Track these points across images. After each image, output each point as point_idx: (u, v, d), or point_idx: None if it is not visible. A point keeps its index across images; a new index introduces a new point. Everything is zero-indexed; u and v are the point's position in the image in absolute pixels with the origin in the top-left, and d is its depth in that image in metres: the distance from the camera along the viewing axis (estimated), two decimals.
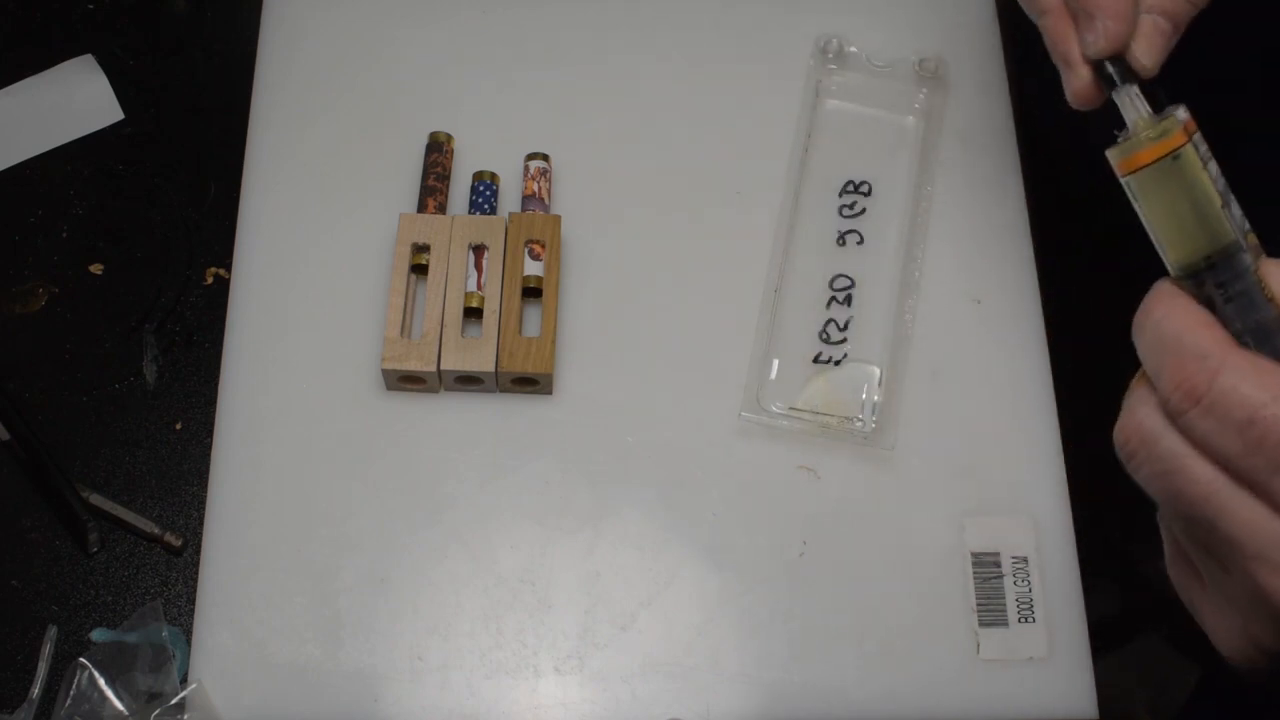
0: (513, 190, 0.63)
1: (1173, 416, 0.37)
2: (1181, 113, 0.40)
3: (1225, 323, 0.38)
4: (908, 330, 0.60)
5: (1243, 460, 0.36)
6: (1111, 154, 0.41)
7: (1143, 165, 0.40)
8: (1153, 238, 0.41)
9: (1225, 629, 0.40)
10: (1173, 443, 0.37)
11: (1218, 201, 0.39)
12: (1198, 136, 0.40)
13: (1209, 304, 0.39)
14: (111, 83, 0.69)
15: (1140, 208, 0.41)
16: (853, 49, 0.66)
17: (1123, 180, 0.41)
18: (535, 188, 0.62)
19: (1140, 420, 0.38)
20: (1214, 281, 0.39)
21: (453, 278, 0.58)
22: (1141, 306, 0.40)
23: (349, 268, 0.61)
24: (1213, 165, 0.40)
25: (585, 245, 0.62)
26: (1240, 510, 0.36)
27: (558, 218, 0.60)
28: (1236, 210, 0.40)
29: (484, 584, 0.55)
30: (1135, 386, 0.40)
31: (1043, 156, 0.69)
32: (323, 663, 0.54)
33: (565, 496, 0.57)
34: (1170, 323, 0.38)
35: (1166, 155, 0.40)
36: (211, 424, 0.59)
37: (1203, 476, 0.37)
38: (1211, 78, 0.42)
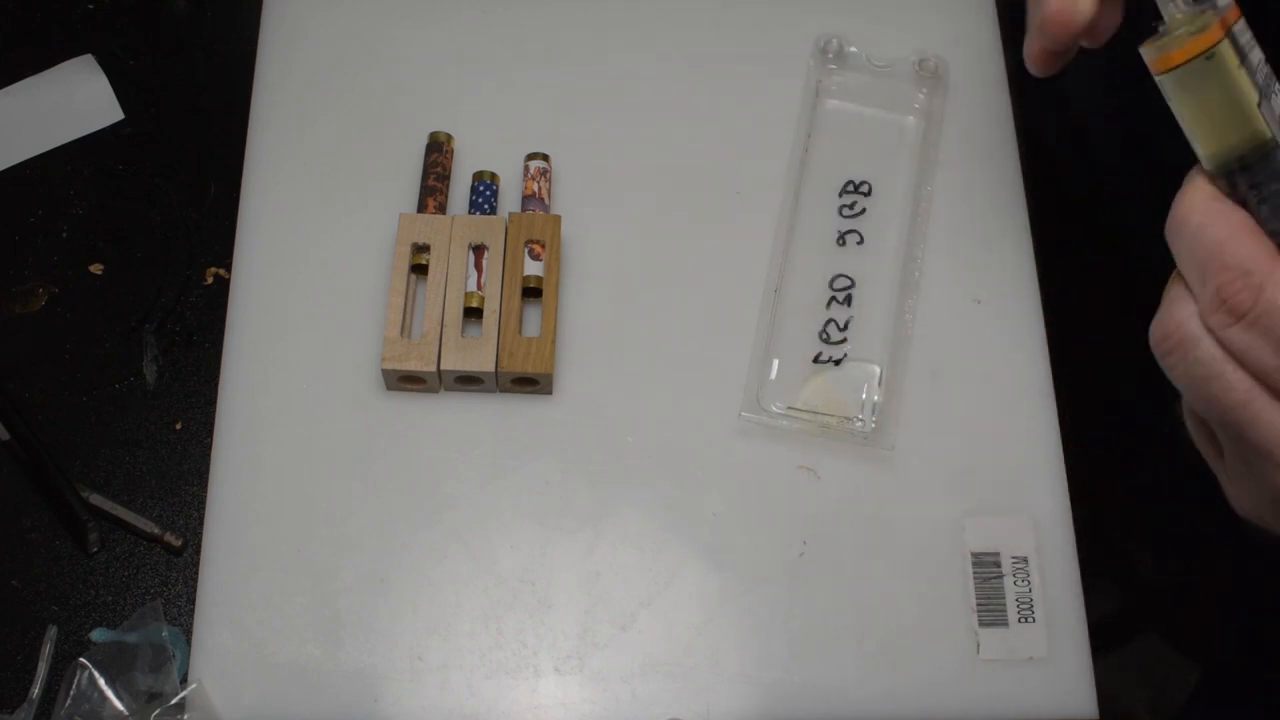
0: (513, 190, 0.63)
1: (1212, 329, 0.37)
2: (1223, 0, 0.38)
3: (1260, 223, 0.37)
4: (908, 330, 0.60)
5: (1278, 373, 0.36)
6: (1145, 51, 0.39)
7: (1175, 65, 0.38)
8: (1186, 134, 0.39)
9: (1244, 499, 0.41)
10: (1210, 350, 0.37)
11: (1254, 99, 0.37)
12: (1239, 25, 0.38)
13: (1243, 203, 0.38)
14: (111, 83, 0.69)
15: (1173, 105, 0.39)
16: (853, 49, 0.66)
17: (1156, 79, 0.39)
18: (535, 188, 0.62)
19: (1179, 322, 0.38)
20: (1248, 182, 0.38)
21: (453, 278, 0.58)
22: (1177, 206, 0.39)
23: (349, 268, 0.61)
24: (1255, 54, 0.38)
25: (585, 245, 0.62)
26: (1274, 421, 0.37)
27: (558, 218, 0.60)
28: (1279, 103, 0.38)
29: (484, 584, 0.55)
30: (1174, 283, 0.39)
31: (1043, 156, 0.69)
32: (323, 663, 0.54)
33: (565, 496, 0.57)
34: (1210, 231, 0.37)
35: (1200, 55, 0.37)
36: (211, 424, 0.59)
37: (1239, 385, 0.37)
38: None
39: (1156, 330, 0.39)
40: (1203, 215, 0.38)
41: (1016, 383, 0.60)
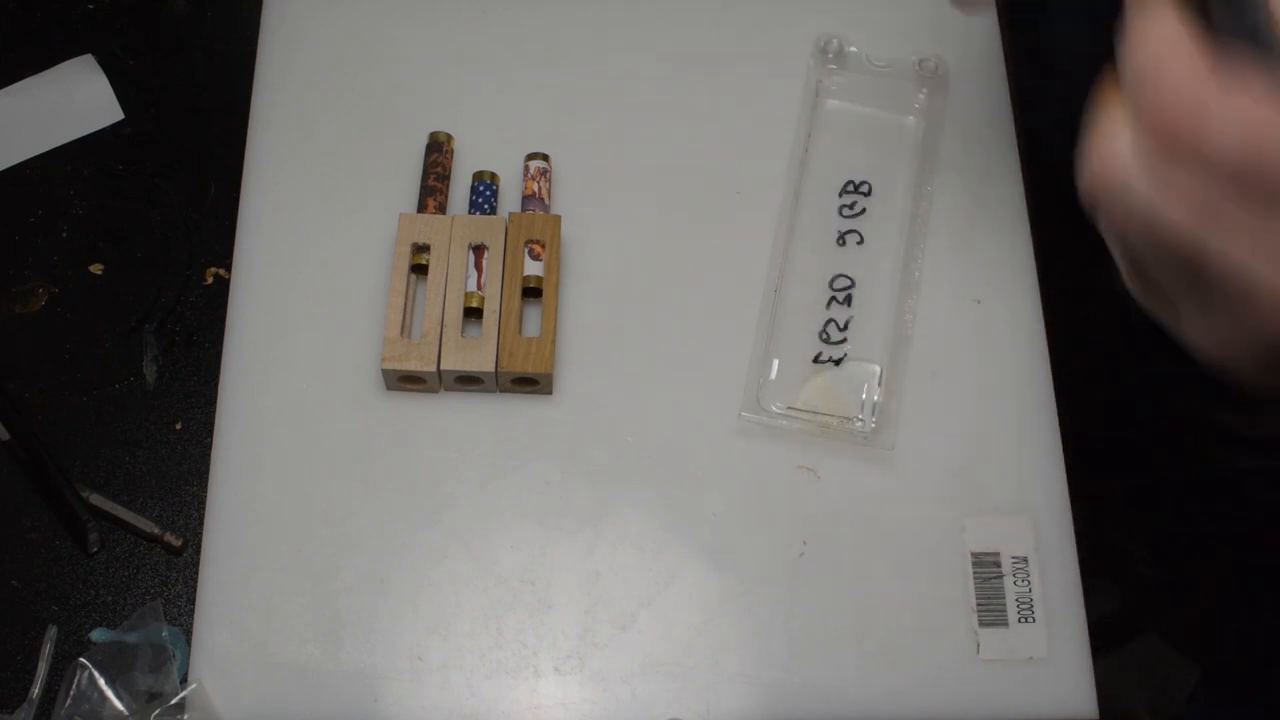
0: (513, 190, 0.63)
1: (1151, 161, 0.33)
2: None
3: (1218, 35, 0.33)
4: (908, 330, 0.60)
5: (1228, 207, 0.33)
6: None
7: None
8: None
9: (1207, 342, 0.38)
10: (1149, 188, 0.34)
11: None
12: None
13: (1203, 9, 0.33)
14: (111, 83, 0.69)
15: None
16: (853, 49, 0.66)
17: None
18: (535, 188, 0.62)
19: (1111, 161, 0.34)
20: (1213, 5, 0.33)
21: (453, 278, 0.58)
22: (1129, 29, 0.34)
23: (349, 268, 0.61)
24: None
25: (585, 245, 0.62)
26: (1224, 250, 0.33)
27: (558, 218, 0.60)
28: None
29: (484, 584, 0.55)
30: (1105, 109, 0.35)
31: (1043, 156, 0.69)
32: (323, 663, 0.54)
33: (565, 496, 0.57)
34: (1151, 45, 0.33)
35: None
36: (211, 424, 0.59)
37: (1185, 221, 0.33)
38: None
39: (1085, 174, 0.35)
40: (1146, 25, 0.33)
41: (1016, 383, 0.60)
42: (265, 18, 0.67)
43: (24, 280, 0.65)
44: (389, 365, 0.57)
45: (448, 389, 0.58)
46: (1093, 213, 0.36)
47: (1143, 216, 0.34)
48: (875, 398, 0.58)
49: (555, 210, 0.62)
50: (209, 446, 0.58)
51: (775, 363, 0.59)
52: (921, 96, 0.65)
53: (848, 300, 0.61)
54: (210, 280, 0.65)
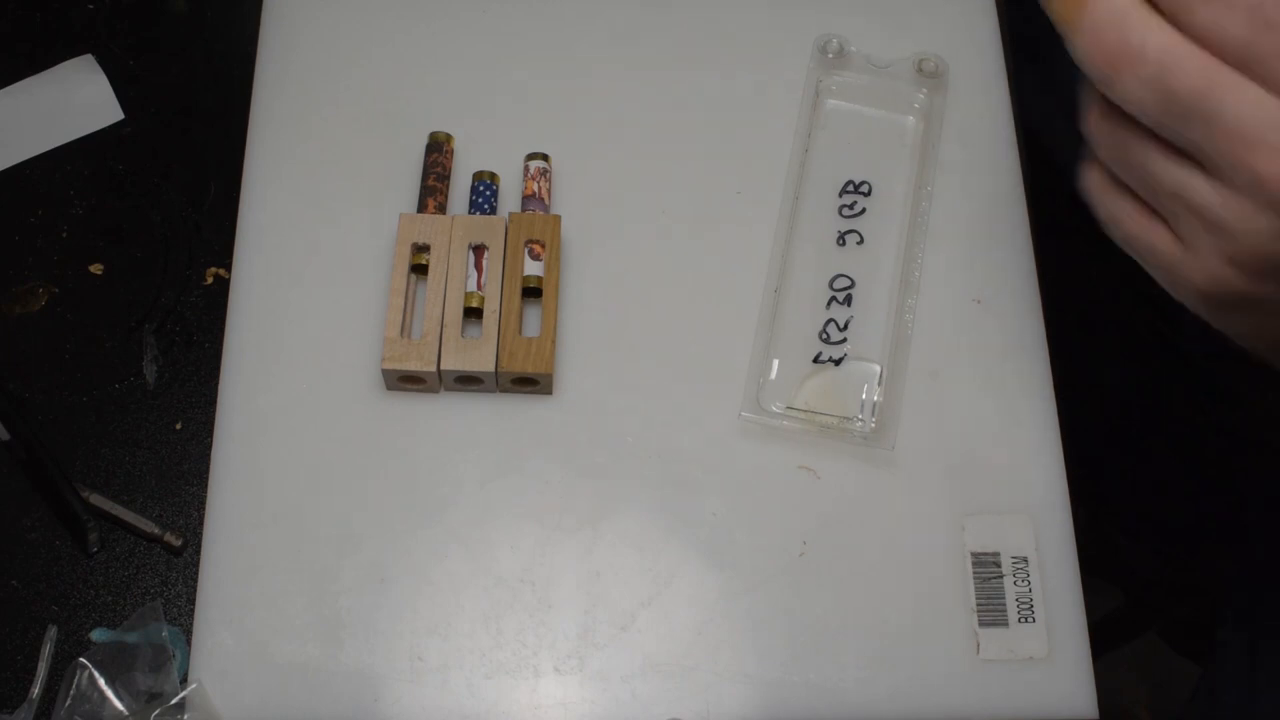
0: (513, 190, 0.63)
1: (1169, 10, 0.34)
2: None
3: None
4: (908, 330, 0.60)
5: (1247, 47, 0.33)
6: None
7: None
8: None
9: (1198, 272, 0.38)
10: (1164, 38, 0.34)
11: None
12: None
13: None
14: (111, 83, 0.69)
15: None
16: (853, 49, 0.66)
17: None
18: (535, 188, 0.62)
19: (1122, 20, 0.35)
20: None
21: (453, 278, 0.58)
22: None
23: (349, 268, 0.61)
24: None
25: (585, 245, 0.62)
26: (1243, 96, 0.34)
27: (558, 218, 0.60)
28: None
29: (484, 584, 0.55)
30: None
31: (1043, 157, 0.69)
32: (323, 663, 0.54)
33: (565, 496, 0.57)
34: None
35: None
36: (211, 424, 0.59)
37: (1202, 67, 0.34)
38: None
39: (1093, 44, 0.36)
40: None
41: (1016, 383, 0.60)
42: (265, 18, 0.67)
43: (24, 280, 0.65)
44: (389, 365, 0.57)
45: (448, 389, 0.58)
46: (1105, 84, 0.36)
47: (1159, 69, 0.34)
48: (875, 397, 0.58)
49: (555, 210, 0.62)
50: (209, 446, 0.58)
51: (775, 363, 0.59)
52: (921, 96, 0.65)
53: (848, 300, 0.61)
54: (210, 280, 0.65)
